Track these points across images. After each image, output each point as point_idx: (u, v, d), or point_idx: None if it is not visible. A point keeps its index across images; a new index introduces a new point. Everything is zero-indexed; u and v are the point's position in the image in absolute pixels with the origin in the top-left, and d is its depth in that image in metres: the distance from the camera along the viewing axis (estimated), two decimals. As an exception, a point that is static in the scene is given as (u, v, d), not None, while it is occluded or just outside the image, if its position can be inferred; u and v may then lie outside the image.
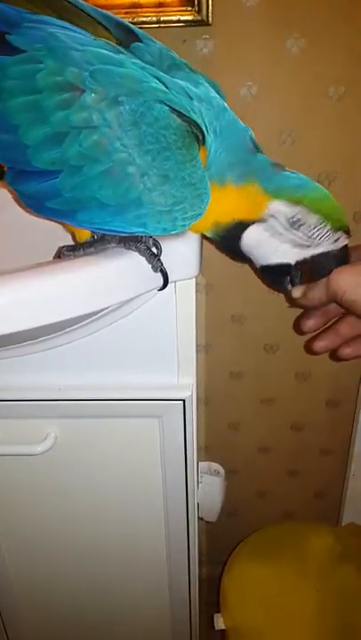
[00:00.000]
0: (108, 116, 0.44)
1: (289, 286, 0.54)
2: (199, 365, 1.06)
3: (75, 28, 0.49)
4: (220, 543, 1.21)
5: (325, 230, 0.49)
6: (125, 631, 0.93)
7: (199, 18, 0.75)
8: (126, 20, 0.74)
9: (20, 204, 0.53)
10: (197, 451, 0.71)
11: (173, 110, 0.46)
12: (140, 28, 0.74)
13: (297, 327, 0.81)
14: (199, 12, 0.75)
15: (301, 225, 0.49)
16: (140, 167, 0.45)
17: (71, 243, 0.55)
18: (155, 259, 0.52)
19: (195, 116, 0.47)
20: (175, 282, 0.58)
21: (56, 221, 0.52)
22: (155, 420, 0.66)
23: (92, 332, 0.61)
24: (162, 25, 0.76)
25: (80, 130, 0.44)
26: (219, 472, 0.86)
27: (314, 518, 1.19)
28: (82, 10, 0.52)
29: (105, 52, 0.46)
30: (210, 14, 0.75)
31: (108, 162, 0.45)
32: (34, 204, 0.49)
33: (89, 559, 0.82)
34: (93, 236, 0.54)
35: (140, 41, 0.53)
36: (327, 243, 0.50)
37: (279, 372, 1.08)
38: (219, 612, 0.97)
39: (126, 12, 0.75)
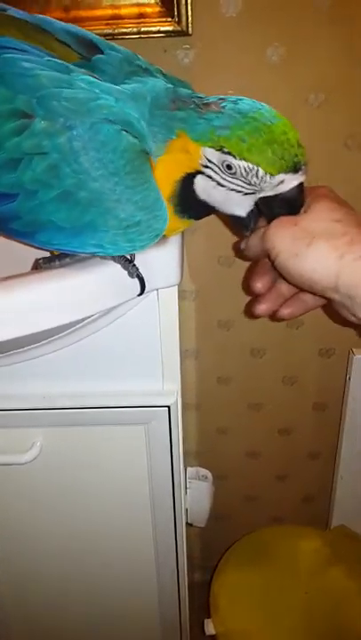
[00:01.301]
0: (58, 142, 0.44)
1: (247, 232, 0.51)
2: (190, 370, 1.07)
3: (32, 49, 0.50)
4: (212, 548, 1.22)
5: (260, 174, 0.45)
6: (115, 638, 0.92)
7: (179, 28, 0.76)
8: (108, 31, 0.76)
9: None
10: (188, 456, 0.72)
11: (123, 129, 0.46)
12: (121, 39, 0.76)
13: (249, 312, 0.78)
14: (179, 22, 0.76)
15: (234, 172, 0.46)
16: (92, 192, 0.45)
17: (47, 254, 0.55)
18: (129, 264, 0.52)
19: (138, 128, 0.47)
20: (158, 290, 0.59)
21: (15, 239, 0.52)
22: (140, 427, 0.67)
23: (76, 341, 0.61)
24: (142, 36, 0.76)
25: (32, 156, 0.45)
26: (207, 477, 0.86)
27: (303, 522, 1.19)
28: (45, 28, 0.53)
29: (56, 74, 0.47)
30: (190, 25, 0.76)
31: (61, 187, 0.45)
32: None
33: (76, 566, 0.82)
34: None
35: (102, 52, 0.53)
36: (270, 187, 0.46)
37: (266, 376, 1.08)
38: (210, 617, 0.97)
39: (107, 24, 0.75)
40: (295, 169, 0.45)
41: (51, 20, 0.53)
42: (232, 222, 0.52)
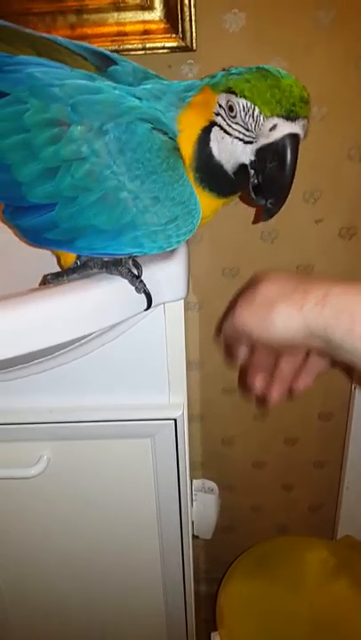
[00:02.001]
0: (96, 146, 0.46)
1: (252, 194, 0.50)
2: (194, 382, 1.07)
3: (52, 63, 0.51)
4: (218, 559, 1.21)
5: (255, 114, 0.45)
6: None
7: (183, 44, 0.77)
8: (113, 47, 0.77)
9: (19, 237, 0.55)
10: (193, 467, 0.72)
11: (154, 127, 0.48)
12: (127, 54, 0.77)
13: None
14: (183, 38, 0.77)
15: (234, 114, 0.47)
16: (131, 191, 0.47)
17: (55, 268, 0.56)
18: (137, 280, 0.53)
19: (165, 123, 0.49)
20: (164, 303, 0.59)
21: (49, 249, 0.53)
22: (147, 440, 0.67)
23: (83, 355, 0.62)
24: (147, 52, 0.78)
25: (71, 162, 0.46)
26: (213, 489, 0.86)
27: (309, 532, 1.19)
28: (59, 44, 0.55)
29: (82, 82, 0.49)
30: (194, 40, 0.77)
31: (101, 190, 0.47)
32: (33, 237, 0.51)
33: (83, 579, 0.82)
34: (77, 262, 0.56)
35: (116, 63, 0.56)
36: (264, 132, 0.46)
37: (271, 386, 1.08)
38: (216, 629, 0.97)
39: (112, 40, 0.76)
40: (289, 116, 0.45)
41: (63, 39, 0.56)
42: (240, 183, 0.51)
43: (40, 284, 0.61)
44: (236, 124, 0.47)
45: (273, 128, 0.46)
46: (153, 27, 0.77)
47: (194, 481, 0.88)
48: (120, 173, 0.46)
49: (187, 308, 1.00)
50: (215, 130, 0.49)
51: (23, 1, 0.75)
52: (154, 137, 0.47)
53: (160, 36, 0.77)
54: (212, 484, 0.87)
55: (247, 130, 0.47)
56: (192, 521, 0.79)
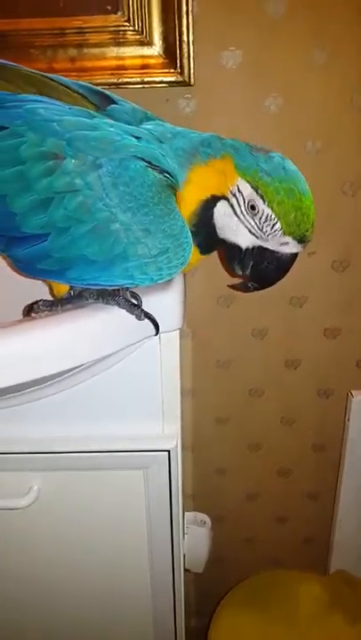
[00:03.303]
0: (89, 180, 0.47)
1: (237, 268, 0.56)
2: (187, 411, 1.06)
3: (52, 100, 0.53)
4: (208, 592, 1.18)
5: (275, 227, 0.50)
6: None
7: (181, 79, 0.79)
8: (112, 80, 0.78)
9: (12, 268, 0.55)
10: (184, 499, 0.70)
11: (149, 164, 0.49)
12: (125, 88, 0.79)
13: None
14: (181, 73, 0.78)
15: (256, 213, 0.51)
16: (123, 223, 0.48)
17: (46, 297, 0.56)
18: (136, 309, 0.53)
19: (164, 163, 0.51)
20: (159, 333, 0.59)
21: (41, 279, 0.53)
22: (139, 472, 0.66)
23: (76, 384, 0.61)
24: (145, 86, 0.79)
25: (64, 194, 0.47)
26: (205, 522, 0.85)
27: (302, 565, 1.17)
28: (60, 83, 0.57)
29: (80, 118, 0.50)
30: (192, 75, 0.79)
31: (93, 221, 0.48)
32: (26, 267, 0.52)
33: (72, 611, 0.80)
34: (70, 292, 0.56)
35: (116, 103, 0.58)
36: (274, 242, 0.51)
37: (265, 416, 1.08)
38: (207, 666, 0.94)
39: (111, 74, 0.78)
40: (301, 240, 0.51)
41: (63, 78, 0.57)
42: (226, 250, 0.56)
43: (28, 310, 0.61)
44: (252, 219, 0.51)
45: (285, 244, 0.51)
46: (152, 61, 0.78)
47: (186, 513, 0.86)
48: (112, 206, 0.47)
49: (180, 336, 1.00)
50: (224, 203, 0.53)
51: (25, 35, 0.77)
52: (147, 173, 0.49)
53: (158, 70, 0.79)
54: (205, 517, 0.86)
55: (260, 230, 0.51)
56: (184, 554, 0.77)
